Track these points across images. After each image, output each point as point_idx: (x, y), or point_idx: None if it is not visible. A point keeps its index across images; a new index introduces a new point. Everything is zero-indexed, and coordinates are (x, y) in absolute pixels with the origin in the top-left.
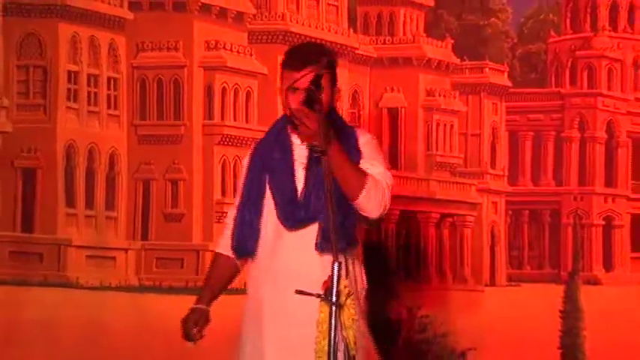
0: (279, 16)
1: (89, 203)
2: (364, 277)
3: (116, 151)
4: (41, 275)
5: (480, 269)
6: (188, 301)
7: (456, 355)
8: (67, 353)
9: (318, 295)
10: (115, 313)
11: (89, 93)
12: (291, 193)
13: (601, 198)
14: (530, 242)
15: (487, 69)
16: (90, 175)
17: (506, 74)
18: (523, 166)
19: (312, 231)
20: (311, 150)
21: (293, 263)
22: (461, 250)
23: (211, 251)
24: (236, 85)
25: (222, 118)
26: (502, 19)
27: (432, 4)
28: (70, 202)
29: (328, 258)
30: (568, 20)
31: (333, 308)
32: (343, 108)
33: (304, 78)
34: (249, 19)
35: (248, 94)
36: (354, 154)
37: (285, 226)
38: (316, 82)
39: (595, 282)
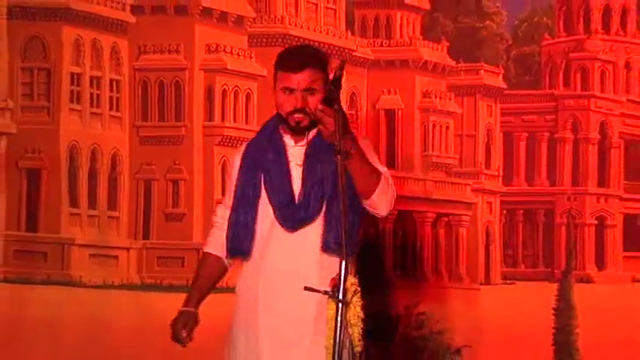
0: (278, 20)
1: (92, 203)
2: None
3: (118, 152)
4: (45, 274)
5: (475, 268)
6: None
7: (451, 351)
8: (70, 350)
9: (325, 292)
10: (117, 311)
11: (92, 95)
12: (288, 195)
13: (594, 198)
14: (525, 241)
15: (482, 71)
16: (92, 175)
17: (500, 76)
18: (517, 166)
19: (308, 231)
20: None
21: (290, 263)
22: (456, 249)
23: None
24: (236, 87)
25: (223, 120)
26: (497, 21)
27: (428, 7)
28: (74, 202)
29: (326, 257)
30: (561, 23)
31: (340, 305)
32: None
33: (302, 79)
34: (249, 23)
35: (248, 96)
36: None
37: (284, 227)
38: (336, 83)
39: (588, 280)
